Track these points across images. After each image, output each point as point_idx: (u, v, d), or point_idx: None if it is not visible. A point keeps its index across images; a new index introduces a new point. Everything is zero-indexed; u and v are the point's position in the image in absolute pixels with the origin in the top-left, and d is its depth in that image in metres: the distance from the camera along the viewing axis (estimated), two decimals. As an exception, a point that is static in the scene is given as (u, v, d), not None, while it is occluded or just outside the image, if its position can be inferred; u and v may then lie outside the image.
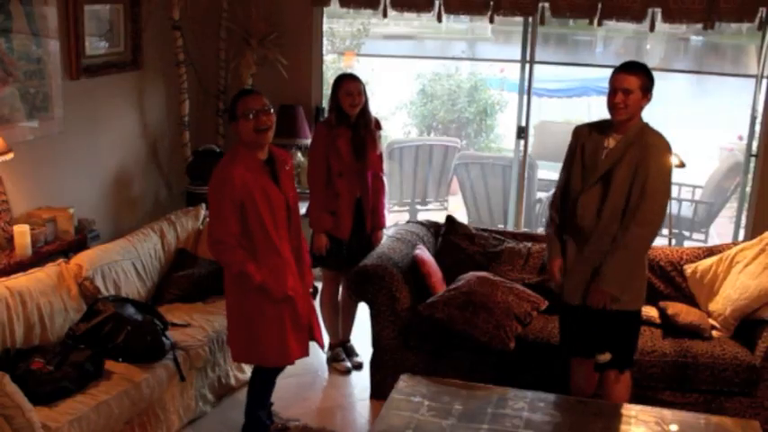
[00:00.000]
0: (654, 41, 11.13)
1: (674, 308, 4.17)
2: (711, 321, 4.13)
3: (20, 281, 3.65)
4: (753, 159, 5.21)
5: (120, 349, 3.65)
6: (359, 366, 4.64)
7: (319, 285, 4.46)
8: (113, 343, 3.64)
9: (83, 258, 4.01)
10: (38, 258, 3.97)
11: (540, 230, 7.22)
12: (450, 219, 4.89)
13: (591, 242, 3.46)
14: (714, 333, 4.07)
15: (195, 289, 4.39)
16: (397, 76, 10.69)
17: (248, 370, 4.43)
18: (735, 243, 4.50)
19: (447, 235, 4.78)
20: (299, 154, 5.60)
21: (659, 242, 6.77)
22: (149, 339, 3.70)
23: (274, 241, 3.45)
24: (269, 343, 3.53)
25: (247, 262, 3.39)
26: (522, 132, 5.60)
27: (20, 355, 3.43)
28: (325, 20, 5.82)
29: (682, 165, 5.27)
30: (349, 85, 4.30)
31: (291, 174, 3.68)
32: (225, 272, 3.58)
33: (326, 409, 4.27)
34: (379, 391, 4.13)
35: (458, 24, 13.05)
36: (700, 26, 4.78)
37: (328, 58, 7.81)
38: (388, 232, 4.70)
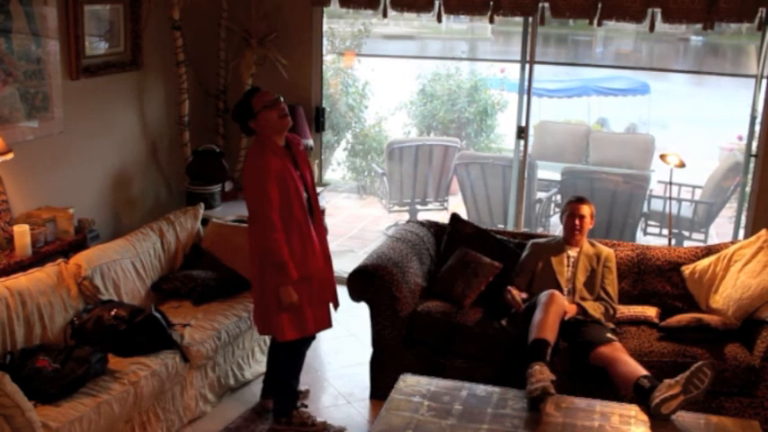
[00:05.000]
0: (654, 42, 11.12)
1: (673, 310, 4.17)
2: (711, 321, 4.12)
3: (20, 281, 3.65)
4: (752, 159, 5.21)
5: (124, 339, 3.68)
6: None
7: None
8: (117, 333, 3.67)
9: (81, 258, 4.00)
10: (38, 258, 3.97)
11: (540, 230, 7.24)
12: (455, 217, 4.89)
13: None
14: (714, 325, 4.02)
15: (196, 289, 4.39)
16: (397, 76, 10.68)
17: (248, 370, 4.43)
18: (733, 242, 4.50)
19: (451, 233, 4.77)
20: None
21: (658, 242, 6.81)
22: (155, 327, 3.77)
23: (301, 222, 3.68)
24: (286, 317, 3.71)
25: (289, 259, 3.60)
26: (521, 132, 5.60)
27: (24, 355, 3.44)
28: (325, 20, 5.82)
29: (682, 165, 5.27)
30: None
31: (305, 155, 3.90)
32: (251, 249, 3.76)
33: (326, 408, 4.27)
34: (379, 391, 4.13)
35: (458, 24, 13.05)
36: (699, 26, 4.79)
37: (328, 58, 7.81)
38: (388, 232, 4.69)
